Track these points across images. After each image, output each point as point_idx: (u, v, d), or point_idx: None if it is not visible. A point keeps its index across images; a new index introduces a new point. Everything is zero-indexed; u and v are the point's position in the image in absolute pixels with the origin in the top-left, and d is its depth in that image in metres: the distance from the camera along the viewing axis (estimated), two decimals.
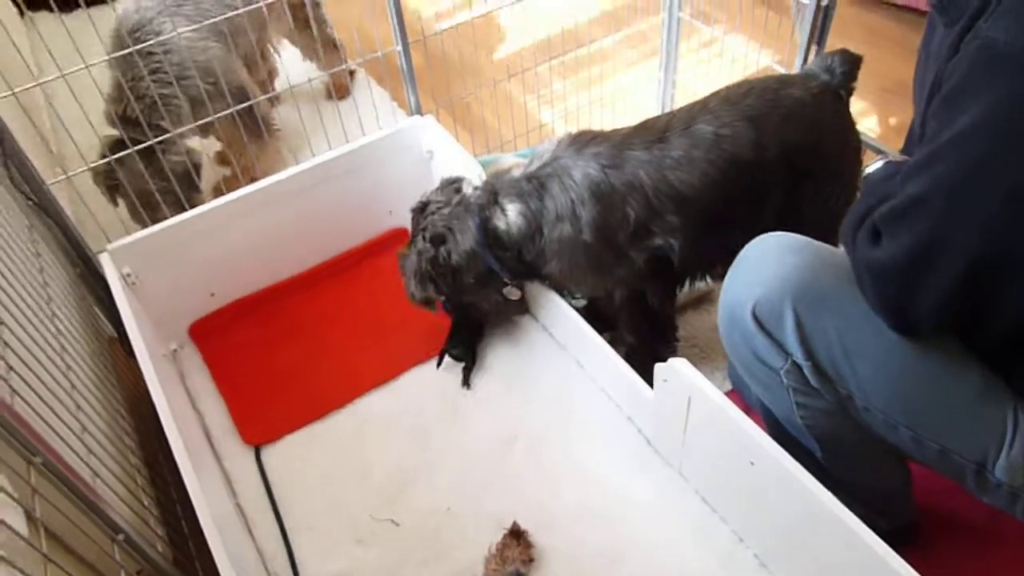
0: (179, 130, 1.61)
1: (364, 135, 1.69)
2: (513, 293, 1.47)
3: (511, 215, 1.32)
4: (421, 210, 1.39)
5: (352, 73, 2.17)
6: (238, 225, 1.56)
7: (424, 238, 1.36)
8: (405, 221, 1.77)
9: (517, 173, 1.33)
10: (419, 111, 1.74)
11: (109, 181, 1.64)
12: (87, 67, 1.40)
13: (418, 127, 1.66)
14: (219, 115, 1.60)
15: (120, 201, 1.68)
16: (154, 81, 1.59)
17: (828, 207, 1.32)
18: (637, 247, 1.29)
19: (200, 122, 1.62)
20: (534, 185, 1.30)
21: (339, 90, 2.08)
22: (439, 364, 1.54)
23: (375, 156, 1.65)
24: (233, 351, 1.60)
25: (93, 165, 1.52)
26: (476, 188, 1.37)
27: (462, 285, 1.39)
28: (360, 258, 1.76)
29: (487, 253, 1.35)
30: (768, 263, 0.98)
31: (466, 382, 1.51)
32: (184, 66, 1.61)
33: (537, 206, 1.30)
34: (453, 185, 1.39)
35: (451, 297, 1.43)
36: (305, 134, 1.75)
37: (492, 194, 1.34)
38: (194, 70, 1.62)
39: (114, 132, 1.59)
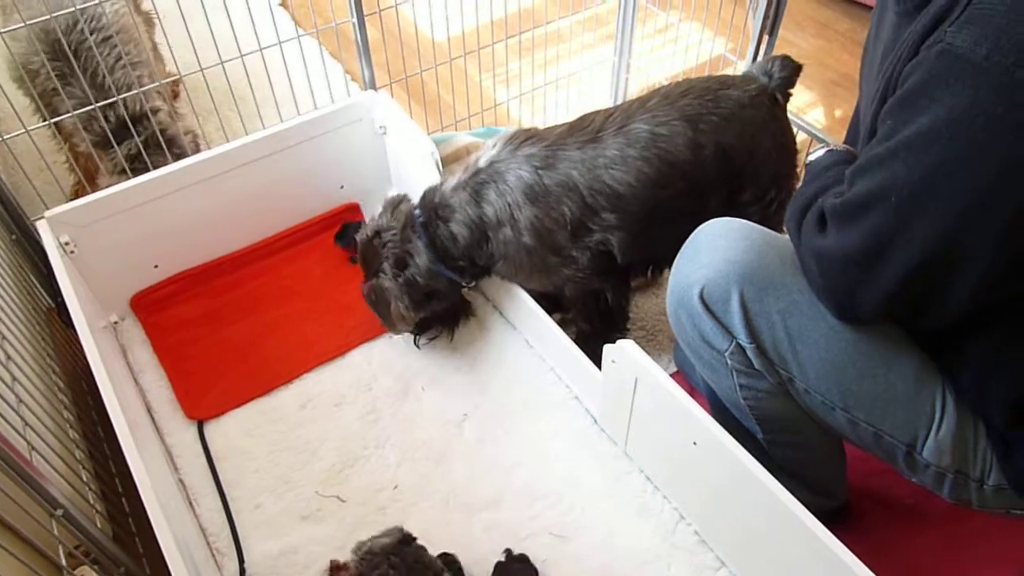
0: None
1: (316, 108, 1.67)
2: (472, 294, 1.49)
3: (453, 227, 1.32)
4: (375, 238, 1.36)
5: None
6: (184, 195, 1.52)
7: (390, 264, 1.35)
8: (356, 196, 1.77)
9: (453, 180, 1.33)
10: (373, 85, 1.72)
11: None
12: (25, 25, 1.35)
13: (372, 102, 1.64)
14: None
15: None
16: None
17: (766, 212, 1.35)
18: (578, 245, 1.30)
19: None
20: (470, 193, 1.30)
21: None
22: (417, 343, 1.53)
23: (327, 129, 1.63)
24: (176, 324, 1.57)
25: (32, 129, 1.47)
26: (416, 207, 1.37)
27: (434, 298, 1.40)
28: (310, 232, 1.74)
29: (442, 267, 1.36)
30: (717, 246, 1.00)
31: (416, 343, 1.52)
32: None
33: (477, 213, 1.30)
34: (399, 206, 1.38)
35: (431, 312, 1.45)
36: (255, 104, 1.71)
37: (432, 210, 1.34)
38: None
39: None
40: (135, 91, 1.55)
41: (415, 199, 1.39)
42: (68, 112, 1.49)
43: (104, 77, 1.52)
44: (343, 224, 1.70)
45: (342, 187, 1.75)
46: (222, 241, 1.66)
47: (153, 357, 1.53)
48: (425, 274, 1.35)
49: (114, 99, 1.52)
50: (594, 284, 1.37)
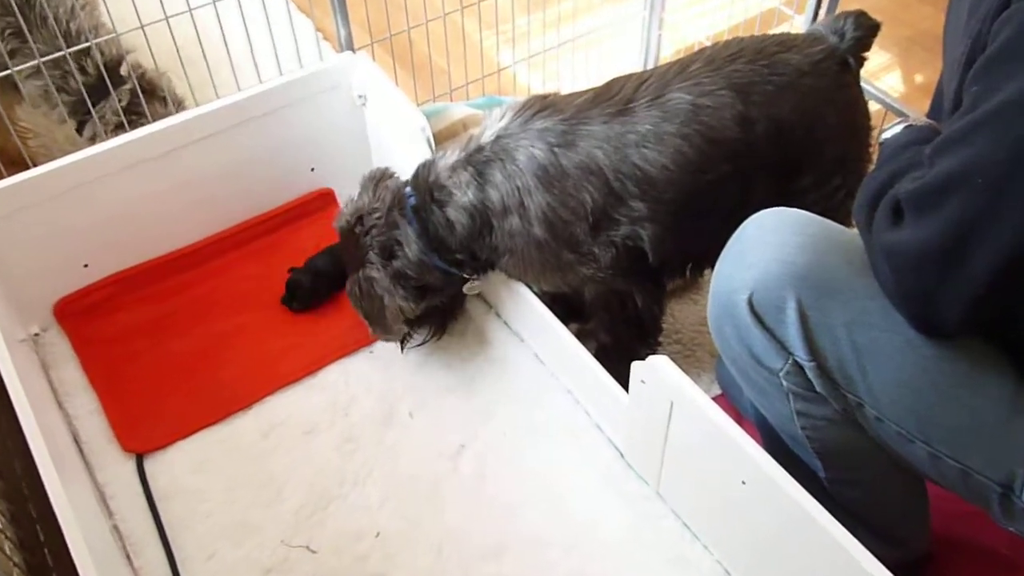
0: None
1: (282, 74, 1.67)
2: (475, 288, 1.49)
3: (450, 213, 1.33)
4: (357, 224, 1.37)
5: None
6: (121, 180, 1.52)
7: (376, 252, 1.35)
8: (329, 180, 1.78)
9: (453, 157, 1.34)
10: (350, 47, 1.72)
11: None
12: None
13: (348, 66, 1.65)
14: None
15: None
16: None
17: (830, 203, 1.35)
18: (600, 240, 1.30)
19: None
20: (471, 173, 1.31)
21: None
22: (403, 346, 1.54)
23: (295, 100, 1.63)
24: (111, 336, 1.58)
25: None
26: (407, 184, 1.37)
27: (429, 293, 1.41)
28: (274, 225, 1.75)
29: (435, 259, 1.36)
30: (768, 244, 1.00)
31: (402, 347, 1.53)
32: None
33: (479, 197, 1.31)
34: (382, 182, 1.38)
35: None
36: (207, 70, 1.71)
37: (427, 191, 1.34)
38: None
39: None
40: (110, 35, 1.58)
41: (404, 176, 1.40)
42: (31, 78, 1.53)
43: (67, 23, 1.54)
44: (288, 281, 1.63)
45: (312, 169, 1.75)
46: (167, 235, 1.66)
47: (82, 376, 1.53)
48: (415, 267, 1.35)
49: (88, 43, 1.54)
50: (619, 286, 1.37)
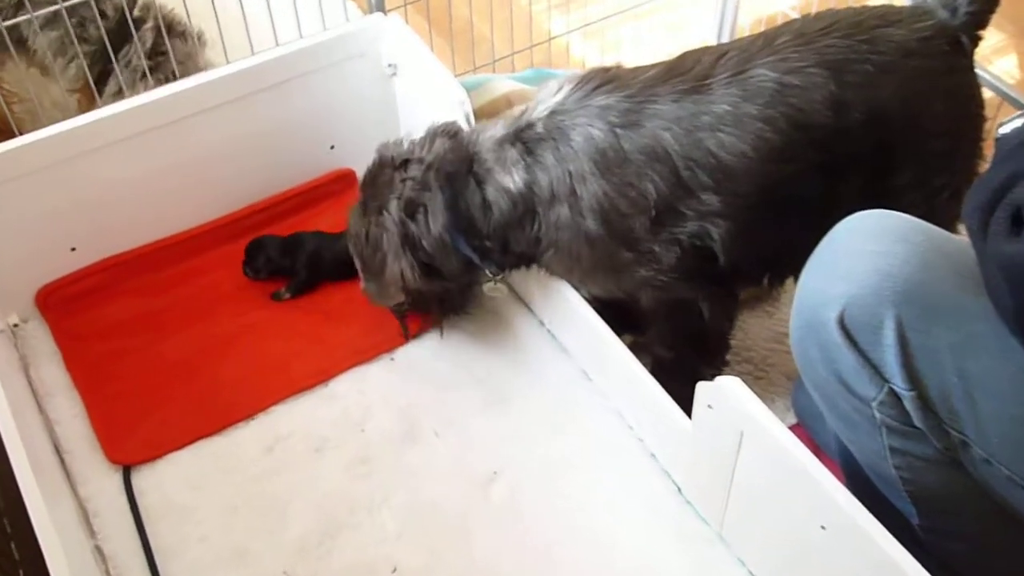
0: None
1: (301, 37, 1.68)
2: (497, 291, 1.50)
3: (489, 192, 1.33)
4: (401, 166, 1.38)
5: None
6: (115, 154, 1.54)
7: (399, 204, 1.36)
8: (350, 160, 1.78)
9: (499, 131, 1.34)
10: (381, 8, 1.72)
11: None
12: None
13: (378, 30, 1.65)
14: None
15: None
16: None
17: (931, 205, 1.33)
18: (662, 237, 1.30)
19: None
20: (519, 151, 1.31)
21: None
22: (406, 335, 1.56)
23: (315, 67, 1.64)
24: (99, 331, 1.59)
25: None
26: (448, 146, 1.37)
27: (437, 277, 1.42)
28: (286, 210, 1.76)
29: (460, 241, 1.36)
30: (865, 252, 0.99)
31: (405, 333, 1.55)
32: None
33: (525, 180, 1.31)
34: (440, 137, 1.38)
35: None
36: (218, 31, 1.73)
37: (466, 160, 1.34)
38: None
39: None
40: None
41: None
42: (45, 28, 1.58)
43: None
44: (252, 242, 1.67)
45: (332, 147, 1.76)
46: (166, 218, 1.67)
47: (65, 375, 1.54)
48: (434, 243, 1.36)
49: None
50: (682, 292, 1.36)
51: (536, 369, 1.55)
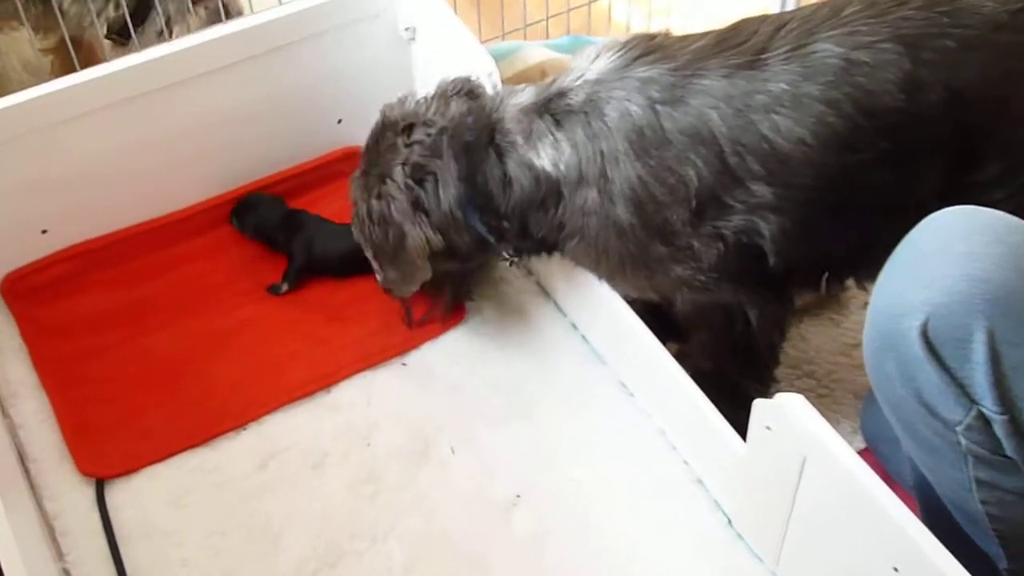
0: None
1: None
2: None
3: (510, 167, 1.33)
4: (405, 130, 1.38)
5: None
6: (94, 124, 1.54)
7: (404, 170, 1.36)
8: (359, 136, 1.75)
9: (527, 98, 1.34)
10: None
11: None
12: None
13: None
14: None
15: None
16: None
17: (1021, 202, 1.29)
18: (702, 232, 1.29)
19: None
20: (547, 124, 1.31)
21: None
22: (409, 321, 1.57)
23: (322, 30, 1.65)
24: (71, 325, 1.59)
25: None
26: (468, 111, 1.38)
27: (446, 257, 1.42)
28: (287, 191, 1.76)
29: (475, 217, 1.37)
30: (953, 254, 0.98)
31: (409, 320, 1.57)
32: None
33: (552, 157, 1.31)
34: (456, 96, 1.39)
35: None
36: None
37: (487, 128, 1.35)
38: None
39: None
40: None
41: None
42: None
43: None
44: (248, 196, 1.70)
45: (340, 121, 1.77)
46: (151, 197, 1.68)
47: (32, 374, 1.55)
48: (444, 217, 1.36)
49: None
50: (724, 296, 1.36)
51: (567, 379, 1.54)
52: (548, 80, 1.36)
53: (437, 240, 1.38)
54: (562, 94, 1.31)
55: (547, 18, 1.94)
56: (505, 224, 1.37)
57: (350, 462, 1.45)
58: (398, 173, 1.36)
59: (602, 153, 1.28)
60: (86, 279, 1.64)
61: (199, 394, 1.52)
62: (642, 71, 1.28)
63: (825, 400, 1.53)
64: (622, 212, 1.29)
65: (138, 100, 1.55)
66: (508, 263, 1.48)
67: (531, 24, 1.93)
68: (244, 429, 1.49)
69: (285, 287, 1.63)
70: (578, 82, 1.31)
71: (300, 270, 1.64)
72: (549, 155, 1.31)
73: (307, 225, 1.66)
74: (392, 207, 1.37)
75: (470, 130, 1.35)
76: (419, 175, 1.36)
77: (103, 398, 1.51)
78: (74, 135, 1.54)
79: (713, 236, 1.29)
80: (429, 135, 1.36)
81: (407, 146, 1.37)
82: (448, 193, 1.35)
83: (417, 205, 1.36)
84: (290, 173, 1.76)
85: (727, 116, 1.24)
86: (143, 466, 1.45)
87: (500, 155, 1.34)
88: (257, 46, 1.60)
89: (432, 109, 1.38)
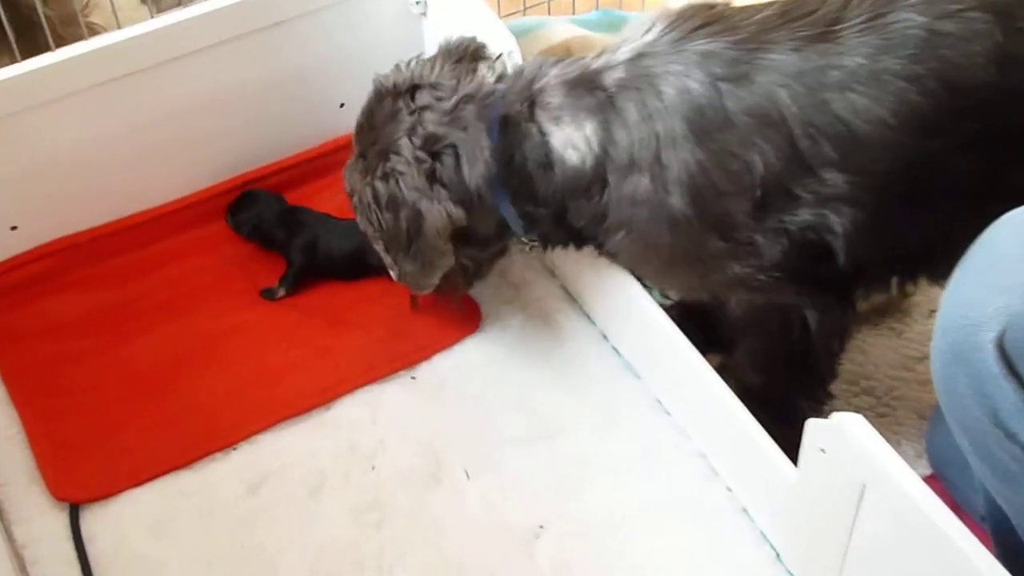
0: None
1: None
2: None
3: (556, 145, 1.32)
4: (403, 94, 1.37)
5: None
6: (67, 110, 1.55)
7: (414, 142, 1.34)
8: None
9: (572, 71, 1.33)
10: None
11: None
12: None
13: None
14: None
15: None
16: None
17: None
18: (766, 225, 1.29)
19: None
20: (598, 100, 1.30)
21: None
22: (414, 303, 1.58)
23: (323, 4, 1.66)
24: (43, 331, 1.60)
25: None
26: (501, 79, 1.37)
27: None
28: (284, 182, 1.77)
29: (504, 200, 1.36)
30: None
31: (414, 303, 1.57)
32: None
33: (601, 138, 1.30)
34: (470, 61, 1.39)
35: None
36: None
37: (527, 100, 1.33)
38: None
39: None
40: None
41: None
42: None
43: None
44: (247, 192, 1.70)
45: (342, 106, 1.77)
46: (131, 190, 1.68)
47: (0, 386, 1.54)
48: (467, 196, 1.36)
49: None
50: (785, 298, 1.35)
51: (595, 395, 1.54)
52: (595, 52, 1.35)
53: (459, 215, 1.36)
54: (611, 67, 1.31)
55: None
56: (541, 211, 1.37)
57: (352, 487, 1.45)
58: (404, 145, 1.35)
59: (657, 135, 1.27)
60: (60, 280, 1.64)
61: (185, 409, 1.52)
62: (702, 44, 1.27)
63: (886, 420, 1.52)
64: (677, 202, 1.28)
65: (117, 83, 1.56)
66: (527, 247, 1.48)
67: None
68: (234, 449, 1.49)
69: (282, 292, 1.63)
70: (630, 54, 1.30)
71: (299, 273, 1.64)
72: (598, 135, 1.31)
73: (310, 224, 1.66)
74: (401, 184, 1.36)
75: (507, 101, 1.35)
76: (433, 146, 1.35)
77: (78, 413, 1.51)
78: (46, 122, 1.54)
79: (778, 231, 1.29)
80: (440, 99, 1.35)
81: (412, 113, 1.36)
82: (476, 170, 1.34)
83: (433, 178, 1.35)
84: (287, 163, 1.77)
85: (797, 95, 1.24)
86: (122, 490, 1.44)
87: (544, 134, 1.33)
88: (250, 22, 1.61)
89: (438, 71, 1.38)
